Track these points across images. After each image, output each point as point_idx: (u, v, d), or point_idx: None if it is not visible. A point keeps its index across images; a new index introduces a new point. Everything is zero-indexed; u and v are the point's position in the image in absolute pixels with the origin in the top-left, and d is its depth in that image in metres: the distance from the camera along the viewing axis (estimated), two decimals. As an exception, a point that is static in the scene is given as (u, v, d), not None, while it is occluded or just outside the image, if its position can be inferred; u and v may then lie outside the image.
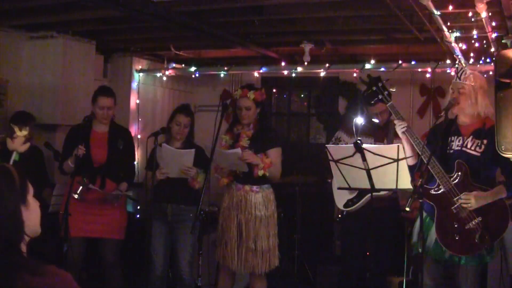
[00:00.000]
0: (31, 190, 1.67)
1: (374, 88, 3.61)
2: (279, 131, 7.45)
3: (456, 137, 3.45)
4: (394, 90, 3.68)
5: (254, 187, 4.07)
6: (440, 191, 3.31)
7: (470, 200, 3.22)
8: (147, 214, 4.16)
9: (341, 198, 4.21)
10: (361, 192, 4.05)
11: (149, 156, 4.43)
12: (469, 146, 3.39)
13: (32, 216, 1.64)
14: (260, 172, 4.00)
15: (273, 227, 4.11)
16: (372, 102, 3.90)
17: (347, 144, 4.22)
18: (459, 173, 3.31)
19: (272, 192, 4.18)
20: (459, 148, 3.41)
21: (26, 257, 1.58)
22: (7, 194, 1.57)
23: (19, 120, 4.32)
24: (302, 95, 7.63)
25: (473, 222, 3.24)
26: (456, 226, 3.27)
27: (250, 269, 4.04)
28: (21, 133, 4.01)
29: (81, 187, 3.96)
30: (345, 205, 4.19)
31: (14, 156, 4.10)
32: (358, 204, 4.10)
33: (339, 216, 4.60)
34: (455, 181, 3.29)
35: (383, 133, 4.23)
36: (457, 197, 3.26)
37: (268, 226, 4.07)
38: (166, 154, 4.10)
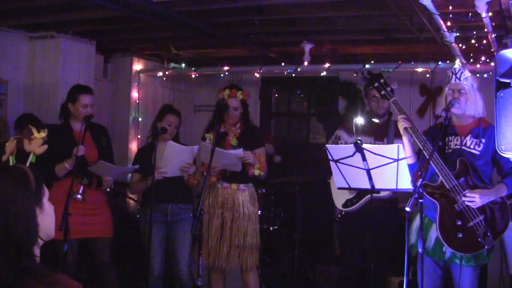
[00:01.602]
0: (46, 193, 1.64)
1: (376, 84, 3.61)
2: (276, 131, 7.48)
3: (453, 136, 3.47)
4: (396, 86, 3.68)
5: (241, 186, 4.12)
6: (443, 189, 3.32)
7: (475, 199, 3.22)
8: (145, 215, 4.14)
9: (340, 198, 4.21)
10: (361, 193, 4.04)
11: (135, 156, 4.44)
12: (468, 144, 3.41)
13: (46, 219, 1.61)
14: (257, 172, 4.04)
15: (257, 224, 4.21)
16: (372, 102, 3.90)
17: (346, 142, 4.23)
18: (462, 171, 3.32)
19: (255, 190, 4.26)
20: (458, 147, 3.43)
21: (38, 263, 1.55)
22: (21, 196, 1.53)
23: (37, 121, 4.24)
24: (302, 95, 7.63)
25: (475, 220, 3.25)
26: (459, 224, 3.27)
27: (238, 265, 4.06)
28: (39, 135, 3.98)
29: (82, 187, 3.94)
30: (344, 205, 4.19)
31: (31, 158, 4.06)
32: (358, 204, 4.10)
33: (339, 216, 4.60)
34: (457, 179, 3.30)
35: (383, 132, 4.23)
36: (461, 195, 3.26)
37: (255, 223, 4.15)
38: (170, 152, 4.07)
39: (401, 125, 3.44)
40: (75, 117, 4.09)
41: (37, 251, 1.56)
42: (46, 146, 4.00)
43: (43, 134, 4.16)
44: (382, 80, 3.61)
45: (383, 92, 3.60)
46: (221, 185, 4.13)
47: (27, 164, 3.95)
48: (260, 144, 4.21)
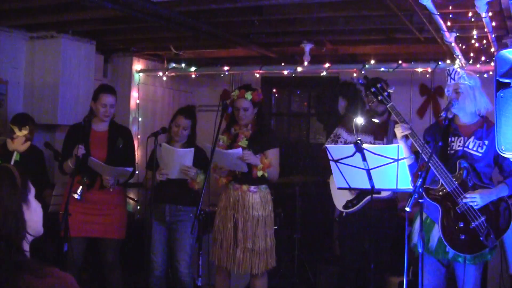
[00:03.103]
0: (32, 190, 1.68)
1: (373, 90, 3.61)
2: (277, 131, 7.46)
3: (456, 137, 3.46)
4: (392, 91, 3.68)
5: (252, 187, 4.07)
6: (444, 192, 3.31)
7: (476, 199, 3.23)
8: (146, 215, 4.15)
9: (340, 199, 4.20)
10: (361, 193, 4.04)
11: (150, 155, 4.43)
12: (471, 146, 3.41)
13: (34, 215, 1.64)
14: (259, 173, 4.01)
15: (270, 227, 4.13)
16: (371, 104, 3.89)
17: (346, 141, 4.23)
18: (462, 173, 3.32)
19: (269, 192, 4.19)
20: (461, 148, 3.43)
21: (29, 258, 1.58)
22: (8, 193, 1.57)
23: (18, 121, 4.32)
24: (302, 95, 7.62)
25: (477, 221, 3.25)
26: (461, 225, 3.27)
27: (247, 269, 4.03)
28: (21, 133, 4.01)
29: (81, 187, 3.95)
30: (345, 206, 4.18)
31: (15, 156, 4.09)
32: (358, 205, 4.09)
33: (339, 216, 4.61)
34: (458, 181, 3.30)
35: (383, 131, 4.23)
36: (462, 197, 3.26)
37: (265, 226, 4.08)
38: (166, 154, 4.09)
39: (400, 131, 3.44)
40: (96, 116, 4.15)
41: (26, 246, 1.60)
42: (29, 143, 4.03)
43: (24, 132, 4.20)
44: (379, 85, 3.60)
45: (380, 98, 3.60)
46: (233, 186, 4.11)
47: (12, 162, 3.98)
48: (272, 145, 4.12)
